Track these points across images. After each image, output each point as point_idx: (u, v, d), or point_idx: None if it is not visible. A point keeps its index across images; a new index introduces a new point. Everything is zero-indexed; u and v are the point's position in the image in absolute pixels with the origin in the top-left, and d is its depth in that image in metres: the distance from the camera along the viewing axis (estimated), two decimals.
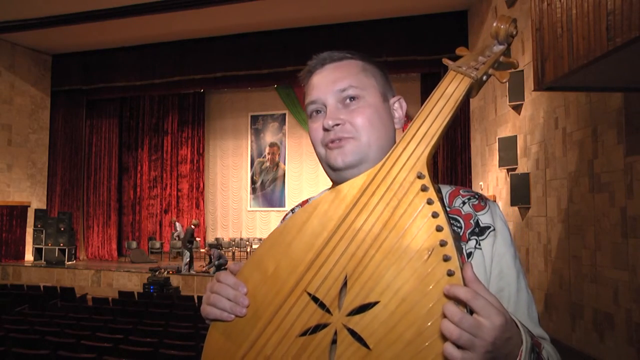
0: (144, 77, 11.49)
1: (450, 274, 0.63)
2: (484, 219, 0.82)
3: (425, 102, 0.78)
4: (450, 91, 0.77)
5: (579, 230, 4.69)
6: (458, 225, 0.82)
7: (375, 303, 0.67)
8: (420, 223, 0.68)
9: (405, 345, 0.64)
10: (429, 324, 0.63)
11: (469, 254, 0.80)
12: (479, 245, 0.80)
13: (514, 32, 0.81)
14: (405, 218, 0.69)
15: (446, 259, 0.64)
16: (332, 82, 0.85)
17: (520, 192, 5.96)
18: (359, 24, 9.85)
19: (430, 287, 0.64)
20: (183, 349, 4.05)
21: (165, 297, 7.82)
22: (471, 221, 0.82)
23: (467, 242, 0.80)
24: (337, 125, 0.83)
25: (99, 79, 11.97)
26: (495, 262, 0.80)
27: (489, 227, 0.81)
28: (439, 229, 0.66)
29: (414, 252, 0.66)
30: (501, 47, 0.82)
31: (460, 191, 0.86)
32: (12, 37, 11.09)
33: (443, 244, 0.65)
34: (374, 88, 0.87)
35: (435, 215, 0.68)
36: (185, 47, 11.11)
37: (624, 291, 3.93)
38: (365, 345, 0.66)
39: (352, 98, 0.84)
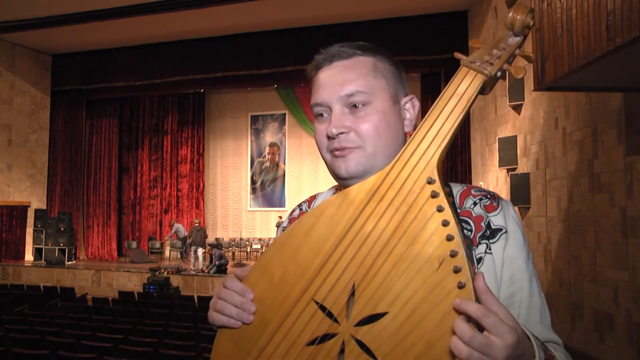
0: (144, 77, 11.49)
1: (460, 286, 0.61)
2: (496, 220, 0.79)
3: (436, 101, 0.74)
4: (462, 89, 0.73)
5: (579, 230, 4.69)
6: (468, 228, 0.79)
7: (384, 314, 0.65)
8: (430, 231, 0.65)
9: (415, 358, 0.62)
10: (439, 338, 0.61)
11: (479, 259, 0.77)
12: (490, 249, 0.77)
13: (531, 23, 0.75)
14: (415, 225, 0.66)
15: (457, 270, 0.62)
16: (339, 84, 0.80)
17: (520, 192, 5.96)
18: (359, 24, 9.85)
19: (441, 299, 0.62)
20: (183, 349, 4.06)
21: (165, 297, 7.83)
22: (482, 224, 0.79)
23: (477, 247, 0.77)
24: (342, 133, 0.79)
25: (99, 79, 11.98)
26: (507, 265, 0.77)
27: (501, 229, 0.78)
28: (449, 238, 0.64)
29: (423, 261, 0.64)
30: (517, 39, 0.77)
31: (472, 191, 0.83)
32: (12, 37, 11.10)
33: (454, 254, 0.63)
34: (384, 91, 0.81)
35: (445, 223, 0.65)
36: (185, 47, 11.12)
37: (624, 291, 3.93)
38: (373, 357, 0.64)
39: (360, 103, 0.79)
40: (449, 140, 0.71)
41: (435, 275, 0.63)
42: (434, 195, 0.67)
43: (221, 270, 10.02)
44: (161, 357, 3.92)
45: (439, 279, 0.63)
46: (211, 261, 10.29)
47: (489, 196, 0.81)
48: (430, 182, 0.68)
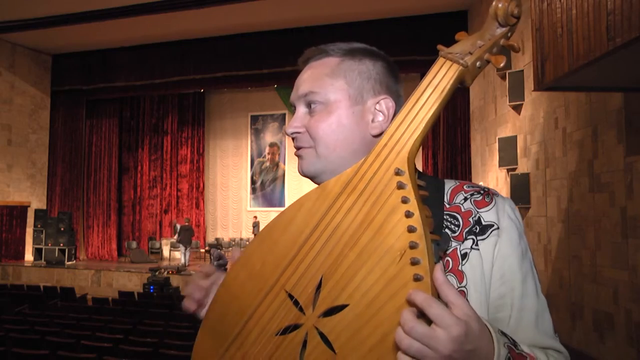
0: (144, 77, 11.50)
1: (417, 278, 0.59)
2: (487, 216, 0.74)
3: (412, 93, 0.72)
4: (437, 80, 0.71)
5: (579, 230, 4.69)
6: (456, 223, 0.75)
7: (345, 305, 0.64)
8: (393, 222, 0.65)
9: (368, 351, 0.61)
10: (392, 330, 0.59)
11: (464, 255, 0.72)
12: (477, 245, 0.73)
13: (516, 11, 0.72)
14: (380, 216, 0.66)
15: (414, 262, 0.60)
16: (298, 85, 0.83)
17: (520, 192, 5.96)
18: (359, 24, 9.85)
19: (397, 290, 0.61)
20: (183, 349, 4.05)
21: (165, 297, 7.82)
22: (470, 219, 0.75)
23: (462, 242, 0.73)
24: (298, 133, 0.81)
25: (99, 79, 11.98)
26: (498, 264, 0.72)
27: (492, 226, 0.73)
28: (411, 229, 0.62)
29: (384, 252, 0.64)
30: (502, 30, 0.73)
31: (464, 186, 0.79)
32: (12, 37, 11.10)
33: (413, 245, 0.61)
34: (341, 91, 0.79)
35: (408, 214, 0.64)
36: (185, 47, 11.12)
37: (624, 291, 3.93)
38: (331, 348, 0.64)
39: (313, 104, 0.80)
40: (422, 132, 0.69)
41: (395, 266, 0.62)
42: (400, 186, 0.66)
43: (220, 270, 10.02)
44: (161, 357, 3.92)
45: (398, 270, 0.62)
46: (211, 261, 10.31)
47: (482, 192, 0.77)
48: (398, 173, 0.67)
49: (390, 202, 0.66)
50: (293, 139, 0.83)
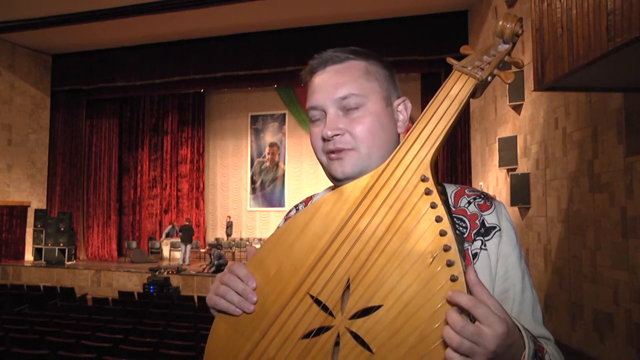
0: (144, 77, 11.49)
1: (453, 279, 0.63)
2: (490, 219, 0.81)
3: (430, 103, 0.76)
4: (455, 92, 0.76)
5: (579, 230, 4.69)
6: (464, 225, 0.81)
7: (379, 307, 0.66)
8: (423, 227, 0.68)
9: (409, 350, 0.64)
10: (433, 329, 0.63)
11: (475, 255, 0.79)
12: (485, 246, 0.79)
13: (520, 31, 0.80)
14: (409, 221, 0.69)
15: (449, 264, 0.64)
16: (333, 88, 0.82)
17: (520, 192, 5.96)
18: (359, 24, 9.85)
19: (434, 292, 0.64)
20: (183, 349, 4.05)
21: (165, 297, 7.83)
22: (477, 221, 0.81)
23: (472, 243, 0.79)
24: (337, 135, 0.81)
25: (99, 79, 11.97)
26: (501, 262, 0.79)
27: (495, 227, 0.81)
28: (442, 233, 0.66)
29: (417, 256, 0.66)
30: (506, 47, 0.81)
31: (466, 191, 0.85)
32: (12, 37, 11.09)
33: (446, 248, 0.65)
34: (377, 93, 0.84)
35: (438, 219, 0.67)
36: (185, 47, 11.12)
37: (624, 291, 3.93)
38: (368, 348, 0.66)
39: (353, 106, 0.82)
40: (442, 141, 0.74)
41: (429, 269, 0.65)
42: (428, 192, 0.70)
43: (220, 270, 10.02)
44: (161, 357, 3.92)
45: (432, 272, 0.65)
46: (211, 261, 10.29)
47: (482, 196, 0.85)
48: (423, 179, 0.71)
49: (418, 208, 0.69)
50: (327, 141, 0.82)
